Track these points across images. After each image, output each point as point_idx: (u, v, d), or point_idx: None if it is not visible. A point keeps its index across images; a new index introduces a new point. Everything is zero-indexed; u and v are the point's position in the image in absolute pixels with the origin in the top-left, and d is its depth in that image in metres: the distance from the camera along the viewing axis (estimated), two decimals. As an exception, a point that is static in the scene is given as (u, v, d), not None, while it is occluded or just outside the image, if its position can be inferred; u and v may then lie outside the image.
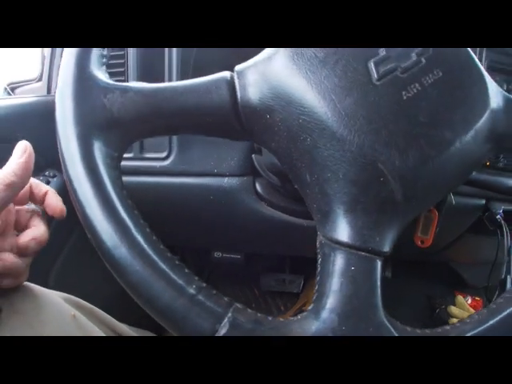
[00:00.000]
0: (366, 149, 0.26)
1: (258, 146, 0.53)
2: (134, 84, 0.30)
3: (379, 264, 0.27)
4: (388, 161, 0.25)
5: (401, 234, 0.28)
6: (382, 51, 0.27)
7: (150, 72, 0.60)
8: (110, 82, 0.29)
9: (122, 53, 0.60)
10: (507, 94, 0.31)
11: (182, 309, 0.25)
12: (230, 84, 0.29)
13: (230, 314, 0.25)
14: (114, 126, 0.29)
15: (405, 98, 0.26)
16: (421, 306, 1.01)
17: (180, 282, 0.25)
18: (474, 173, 0.65)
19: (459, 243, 0.79)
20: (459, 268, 0.96)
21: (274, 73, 0.28)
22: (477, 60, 0.30)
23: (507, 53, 0.67)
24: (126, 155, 0.61)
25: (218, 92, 0.29)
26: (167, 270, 0.26)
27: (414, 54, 0.27)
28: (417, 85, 0.27)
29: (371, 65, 0.27)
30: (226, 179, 0.57)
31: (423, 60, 0.27)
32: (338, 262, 0.27)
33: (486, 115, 0.28)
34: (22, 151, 0.34)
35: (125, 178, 0.63)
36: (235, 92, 0.29)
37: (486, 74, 0.30)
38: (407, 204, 0.27)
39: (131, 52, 0.59)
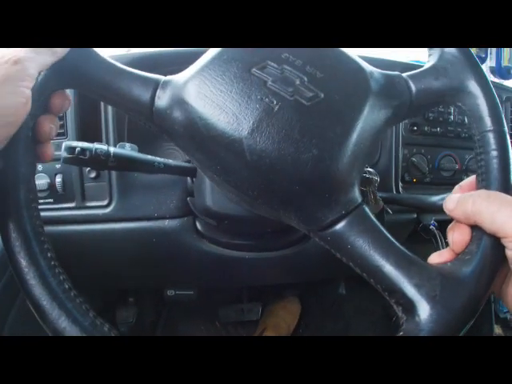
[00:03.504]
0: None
1: (191, 189, 0.56)
2: None
3: (365, 208, 0.32)
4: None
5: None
6: (268, 83, 0.32)
7: (88, 134, 0.62)
8: None
9: (61, 115, 0.61)
10: (384, 72, 0.36)
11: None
12: (154, 89, 0.33)
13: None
14: None
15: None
16: (378, 316, 1.05)
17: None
18: (401, 192, 0.71)
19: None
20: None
21: (188, 97, 0.32)
22: (352, 56, 0.35)
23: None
24: (68, 205, 0.63)
25: (143, 90, 0.33)
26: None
27: (297, 78, 0.32)
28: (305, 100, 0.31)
29: (263, 100, 0.31)
30: (166, 221, 0.60)
31: (306, 78, 0.32)
32: (342, 232, 0.31)
33: (370, 99, 0.33)
34: None
35: (69, 227, 0.64)
36: (153, 98, 0.33)
37: (362, 63, 0.35)
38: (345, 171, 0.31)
39: (69, 116, 0.61)
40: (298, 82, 0.32)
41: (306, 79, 0.32)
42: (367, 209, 0.32)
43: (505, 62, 0.87)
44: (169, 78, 0.34)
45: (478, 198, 0.31)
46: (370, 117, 0.32)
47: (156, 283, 0.78)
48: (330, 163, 0.30)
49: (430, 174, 0.75)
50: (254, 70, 0.32)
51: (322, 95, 0.31)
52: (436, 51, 0.38)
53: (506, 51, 0.86)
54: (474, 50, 0.86)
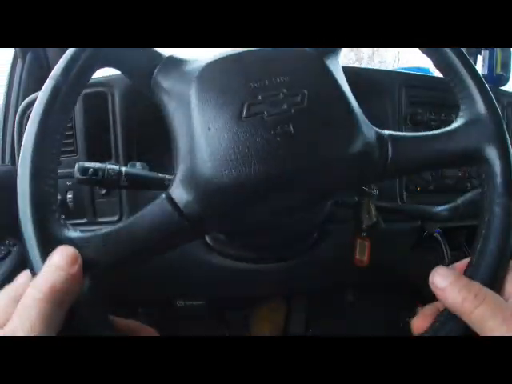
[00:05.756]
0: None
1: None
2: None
3: None
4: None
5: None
6: (259, 97, 0.32)
7: (97, 150, 0.64)
8: None
9: (71, 133, 0.63)
10: (378, 130, 0.36)
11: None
12: (171, 203, 0.32)
13: None
14: None
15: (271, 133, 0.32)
16: (387, 322, 1.05)
17: None
18: (405, 201, 0.72)
19: (408, 261, 0.85)
20: (420, 283, 1.02)
21: (186, 77, 0.34)
22: (351, 103, 0.35)
23: (428, 87, 0.75)
24: (79, 221, 0.64)
25: (164, 214, 0.31)
26: None
27: (286, 104, 0.32)
28: (278, 127, 0.32)
29: (245, 106, 0.32)
30: (176, 235, 0.61)
31: (293, 111, 0.32)
32: None
33: (354, 152, 0.33)
34: (73, 260, 0.28)
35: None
36: (179, 206, 0.32)
37: (357, 113, 0.35)
38: None
39: (78, 133, 0.63)
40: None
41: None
42: None
43: (497, 70, 0.88)
44: (173, 188, 0.33)
45: (473, 298, 0.29)
46: None
47: (166, 295, 0.80)
48: None
49: (433, 181, 0.76)
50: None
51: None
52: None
53: (498, 59, 0.87)
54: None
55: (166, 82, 0.35)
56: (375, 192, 0.50)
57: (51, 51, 0.76)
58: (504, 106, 0.85)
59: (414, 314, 0.35)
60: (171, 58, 0.36)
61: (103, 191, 0.62)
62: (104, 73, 0.67)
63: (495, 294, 0.30)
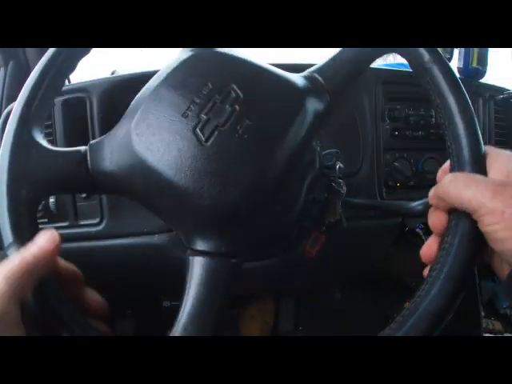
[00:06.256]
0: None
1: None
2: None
3: None
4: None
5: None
6: (203, 116, 0.33)
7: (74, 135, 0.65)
8: None
9: (51, 138, 0.64)
10: (303, 75, 0.37)
11: None
12: (203, 254, 0.33)
13: None
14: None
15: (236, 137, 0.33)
16: (375, 319, 1.06)
17: None
18: (385, 197, 0.73)
19: (391, 257, 0.85)
20: (405, 278, 1.02)
21: (124, 149, 0.34)
22: (274, 70, 0.36)
23: (405, 82, 0.75)
24: (61, 224, 0.65)
25: (208, 270, 0.33)
26: None
27: (227, 106, 0.33)
28: (238, 127, 0.33)
29: (198, 132, 0.33)
30: (156, 236, 0.62)
31: (237, 107, 0.33)
32: None
33: (304, 107, 0.35)
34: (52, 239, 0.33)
35: (63, 245, 0.66)
36: (212, 253, 0.33)
37: (286, 75, 0.36)
38: None
39: (59, 138, 0.64)
40: None
41: None
42: None
43: (473, 64, 0.87)
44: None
45: (445, 181, 0.32)
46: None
47: (151, 295, 0.80)
48: None
49: (413, 177, 0.76)
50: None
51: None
52: None
53: (475, 53, 0.87)
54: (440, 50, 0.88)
55: (108, 166, 0.34)
56: (343, 190, 0.51)
57: (31, 57, 0.77)
58: (486, 98, 0.85)
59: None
60: (92, 145, 0.35)
61: (83, 194, 0.63)
62: (82, 78, 0.68)
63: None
